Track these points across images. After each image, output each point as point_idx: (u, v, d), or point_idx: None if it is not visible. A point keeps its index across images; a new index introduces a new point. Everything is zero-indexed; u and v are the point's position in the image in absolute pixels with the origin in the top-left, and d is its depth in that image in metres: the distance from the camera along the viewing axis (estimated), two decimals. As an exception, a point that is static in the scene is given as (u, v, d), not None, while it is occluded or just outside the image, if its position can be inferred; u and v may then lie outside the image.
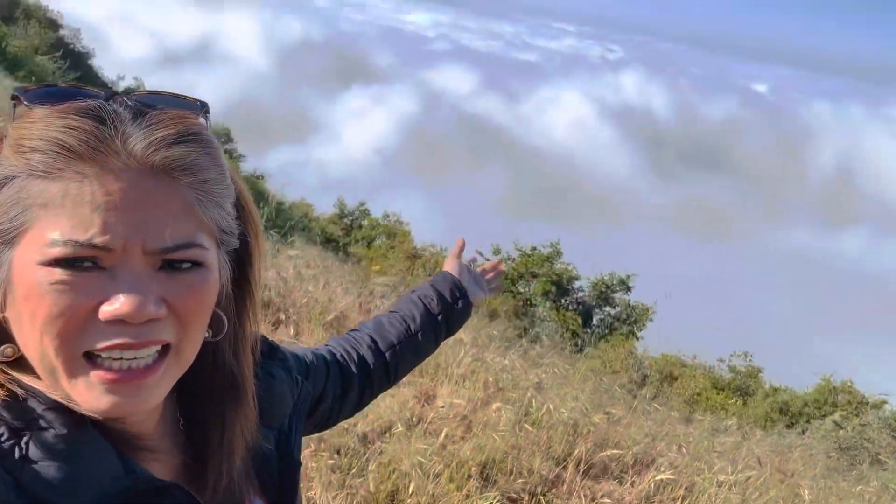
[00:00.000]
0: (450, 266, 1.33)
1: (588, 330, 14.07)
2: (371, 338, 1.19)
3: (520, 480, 3.11)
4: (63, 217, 0.54)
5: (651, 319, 14.46)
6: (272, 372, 0.87)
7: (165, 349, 0.61)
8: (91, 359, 0.58)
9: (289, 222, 8.82)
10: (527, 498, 3.08)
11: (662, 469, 3.58)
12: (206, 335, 0.67)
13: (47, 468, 0.58)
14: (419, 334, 1.22)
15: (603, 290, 14.98)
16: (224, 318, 0.70)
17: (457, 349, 4.33)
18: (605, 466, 3.56)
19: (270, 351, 0.91)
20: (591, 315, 14.86)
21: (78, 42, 20.79)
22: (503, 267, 1.45)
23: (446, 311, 1.26)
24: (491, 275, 1.40)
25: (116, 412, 0.59)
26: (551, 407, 3.81)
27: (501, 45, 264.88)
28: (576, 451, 3.44)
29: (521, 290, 14.79)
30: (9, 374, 0.62)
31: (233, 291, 0.72)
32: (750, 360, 15.36)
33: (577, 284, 15.03)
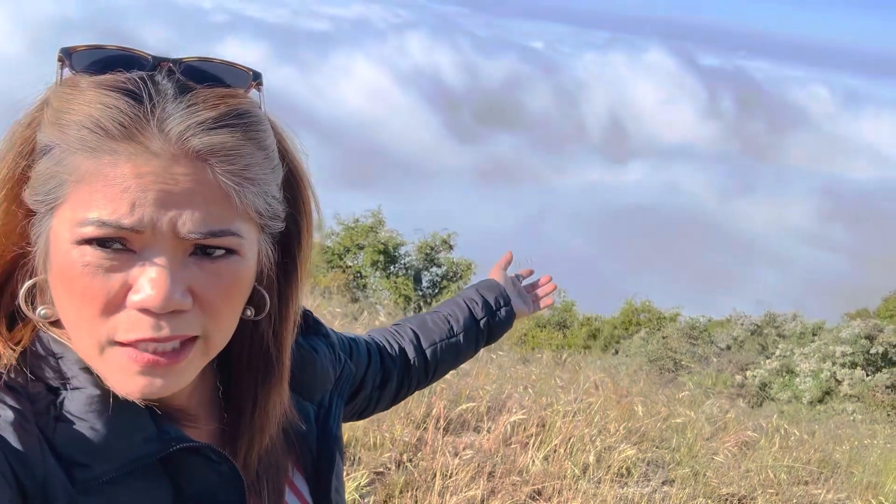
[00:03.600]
0: (495, 275, 1.32)
1: (420, 292, 14.40)
2: (414, 333, 1.17)
3: (385, 454, 3.05)
4: (95, 195, 0.54)
5: (475, 273, 15.12)
6: (315, 346, 0.86)
7: (192, 338, 0.60)
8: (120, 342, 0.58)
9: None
10: (394, 468, 3.04)
11: (514, 411, 3.73)
12: (248, 313, 0.66)
13: (79, 428, 0.58)
14: (461, 336, 1.20)
15: (428, 251, 15.38)
16: (266, 296, 0.67)
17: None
18: (463, 420, 3.63)
19: (315, 325, 0.89)
20: (420, 278, 15.20)
21: None
22: (554, 284, 1.41)
23: (489, 317, 1.24)
24: (538, 290, 1.38)
25: (145, 394, 0.59)
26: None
27: (288, 14, 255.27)
28: (433, 412, 3.46)
29: (350, 264, 14.72)
30: (49, 332, 0.62)
31: (277, 273, 0.69)
32: (564, 296, 16.75)
33: (402, 250, 15.25)
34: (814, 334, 10.17)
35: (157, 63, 0.58)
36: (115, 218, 0.53)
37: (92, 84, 0.55)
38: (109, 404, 0.60)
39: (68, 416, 0.58)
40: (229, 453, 0.69)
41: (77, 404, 0.59)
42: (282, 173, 0.64)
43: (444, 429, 3.43)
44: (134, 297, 0.55)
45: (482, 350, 1.37)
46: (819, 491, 3.65)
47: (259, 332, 0.71)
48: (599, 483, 3.19)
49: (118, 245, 0.55)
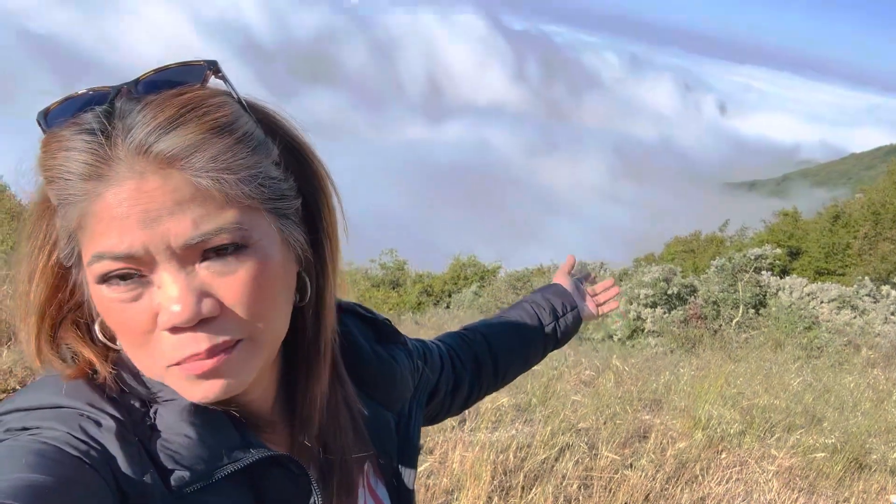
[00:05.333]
0: (560, 280, 1.32)
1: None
2: (485, 338, 1.16)
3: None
4: (93, 236, 0.55)
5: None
6: (394, 355, 0.86)
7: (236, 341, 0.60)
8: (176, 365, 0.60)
9: None
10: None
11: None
12: (295, 299, 0.66)
13: (173, 437, 0.60)
14: (529, 341, 1.20)
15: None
16: (307, 280, 0.67)
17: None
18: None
19: (394, 335, 0.89)
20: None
21: None
22: (617, 288, 1.39)
23: (556, 322, 1.24)
24: (601, 296, 1.36)
25: (210, 399, 0.60)
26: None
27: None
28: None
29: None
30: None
31: (312, 253, 0.67)
32: (395, 255, 17.08)
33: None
34: (620, 279, 11.51)
35: (117, 91, 0.57)
36: (108, 249, 0.54)
37: (53, 136, 0.56)
38: (199, 415, 0.62)
39: (163, 425, 0.60)
40: (305, 458, 0.70)
41: (170, 415, 0.61)
42: (274, 150, 0.61)
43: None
44: (161, 320, 0.56)
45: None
46: (648, 417, 4.25)
47: (303, 319, 0.69)
48: (474, 431, 3.45)
49: (131, 275, 0.56)
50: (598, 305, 1.34)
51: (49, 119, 0.57)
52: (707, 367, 5.92)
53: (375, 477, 0.80)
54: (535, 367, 4.75)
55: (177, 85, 0.58)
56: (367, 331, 0.85)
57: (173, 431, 0.60)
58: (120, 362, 0.63)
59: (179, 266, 0.56)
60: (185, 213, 0.54)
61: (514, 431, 3.62)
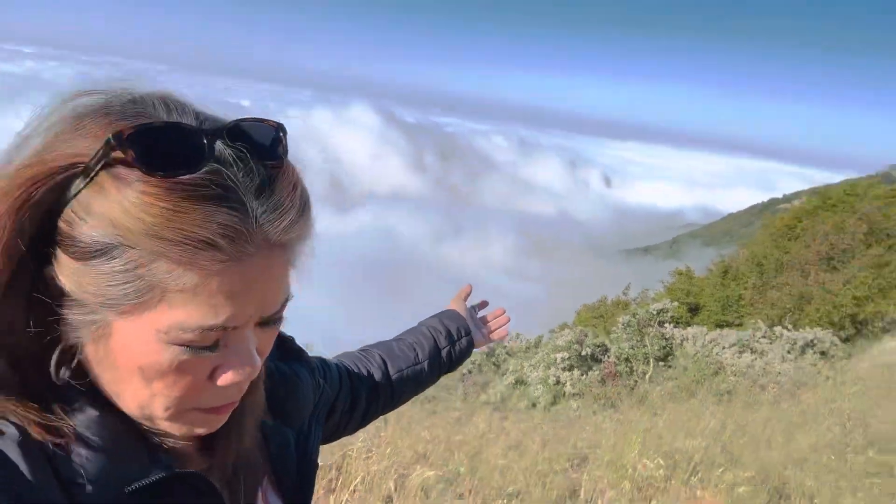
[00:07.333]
0: (456, 306, 1.35)
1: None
2: (381, 358, 1.18)
3: None
4: (198, 304, 0.54)
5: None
6: (298, 373, 0.87)
7: None
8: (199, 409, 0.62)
9: None
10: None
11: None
12: None
13: (79, 451, 0.58)
14: (425, 364, 1.23)
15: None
16: None
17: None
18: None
19: (298, 353, 0.90)
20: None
21: None
22: (508, 317, 1.42)
23: (451, 346, 1.27)
24: (492, 323, 1.40)
25: (204, 434, 0.63)
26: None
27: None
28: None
29: None
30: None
31: None
32: (312, 348, 16.54)
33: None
34: (536, 347, 11.67)
35: (216, 133, 0.56)
36: (221, 322, 0.55)
37: (181, 197, 0.52)
38: (107, 429, 0.60)
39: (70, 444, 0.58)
40: (213, 473, 0.69)
41: (77, 428, 0.59)
42: None
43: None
44: (226, 377, 0.59)
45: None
46: (576, 475, 4.22)
47: None
48: (403, 509, 3.30)
49: (218, 342, 0.57)
50: (489, 332, 1.39)
51: (139, 157, 0.52)
52: (628, 421, 6.01)
53: (274, 494, 0.79)
54: (458, 437, 4.66)
55: (272, 154, 0.58)
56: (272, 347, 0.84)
57: (80, 445, 0.58)
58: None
59: (252, 331, 0.59)
60: (281, 288, 0.59)
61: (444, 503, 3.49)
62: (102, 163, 0.52)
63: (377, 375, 1.15)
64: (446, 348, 1.27)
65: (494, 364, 12.15)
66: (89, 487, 0.57)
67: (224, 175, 0.54)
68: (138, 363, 0.56)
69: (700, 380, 8.94)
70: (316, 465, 0.86)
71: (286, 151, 0.60)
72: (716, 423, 6.19)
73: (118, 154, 0.52)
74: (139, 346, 0.56)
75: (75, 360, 0.58)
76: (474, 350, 1.36)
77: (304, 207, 0.58)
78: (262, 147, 0.58)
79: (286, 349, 0.88)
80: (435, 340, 1.26)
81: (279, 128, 0.61)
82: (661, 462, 4.18)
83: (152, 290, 0.53)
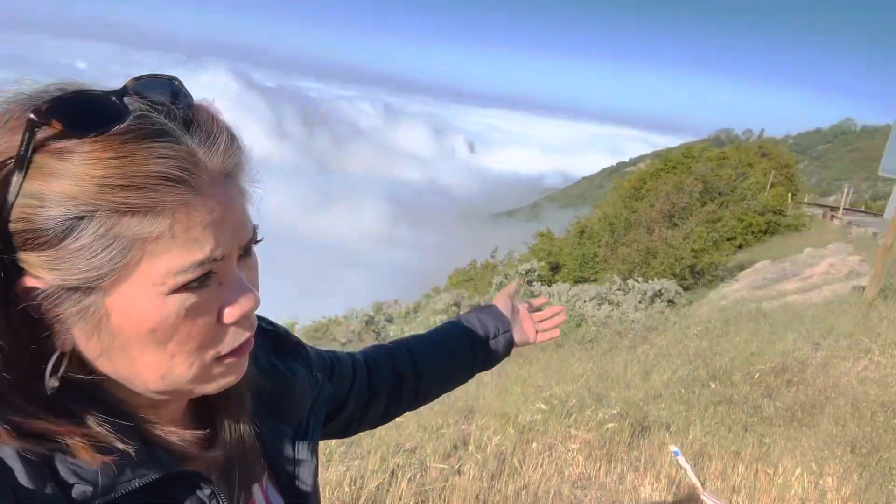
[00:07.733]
0: (500, 302, 1.28)
1: None
2: (410, 353, 1.14)
3: None
4: (180, 244, 0.55)
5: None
6: (293, 370, 0.86)
7: None
8: (219, 357, 0.62)
9: None
10: None
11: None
12: None
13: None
14: (457, 361, 1.18)
15: None
16: None
17: None
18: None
19: (294, 348, 0.90)
20: None
21: None
22: (564, 315, 1.35)
23: (485, 344, 1.22)
24: (544, 323, 1.32)
25: (231, 384, 0.65)
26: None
27: None
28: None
29: None
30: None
31: None
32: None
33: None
34: (415, 311, 11.95)
35: (122, 94, 0.57)
36: (208, 255, 0.57)
37: (125, 141, 0.53)
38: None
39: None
40: (209, 466, 0.70)
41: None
42: None
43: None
44: (233, 312, 0.61)
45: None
46: (465, 426, 4.51)
47: None
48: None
49: (210, 277, 0.58)
50: (538, 332, 1.31)
51: (70, 125, 0.52)
52: (507, 374, 6.43)
53: (274, 490, 0.80)
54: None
55: (182, 97, 0.60)
56: (266, 343, 0.86)
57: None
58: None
59: (237, 262, 0.62)
60: (245, 214, 0.62)
61: (344, 468, 3.62)
62: (33, 146, 0.51)
63: (402, 370, 1.12)
64: (481, 345, 1.21)
65: (375, 332, 12.33)
66: (87, 487, 0.56)
67: (151, 118, 0.55)
68: (147, 327, 0.56)
69: (567, 332, 9.65)
70: (316, 461, 0.86)
71: (190, 94, 0.61)
72: (583, 368, 6.79)
73: (47, 131, 0.52)
74: (142, 308, 0.56)
75: (62, 369, 0.57)
76: (517, 348, 1.28)
77: (231, 133, 0.61)
78: (169, 93, 0.59)
79: (283, 345, 0.88)
80: (470, 338, 1.21)
81: (173, 78, 0.62)
82: (542, 407, 4.57)
83: (132, 246, 0.53)
